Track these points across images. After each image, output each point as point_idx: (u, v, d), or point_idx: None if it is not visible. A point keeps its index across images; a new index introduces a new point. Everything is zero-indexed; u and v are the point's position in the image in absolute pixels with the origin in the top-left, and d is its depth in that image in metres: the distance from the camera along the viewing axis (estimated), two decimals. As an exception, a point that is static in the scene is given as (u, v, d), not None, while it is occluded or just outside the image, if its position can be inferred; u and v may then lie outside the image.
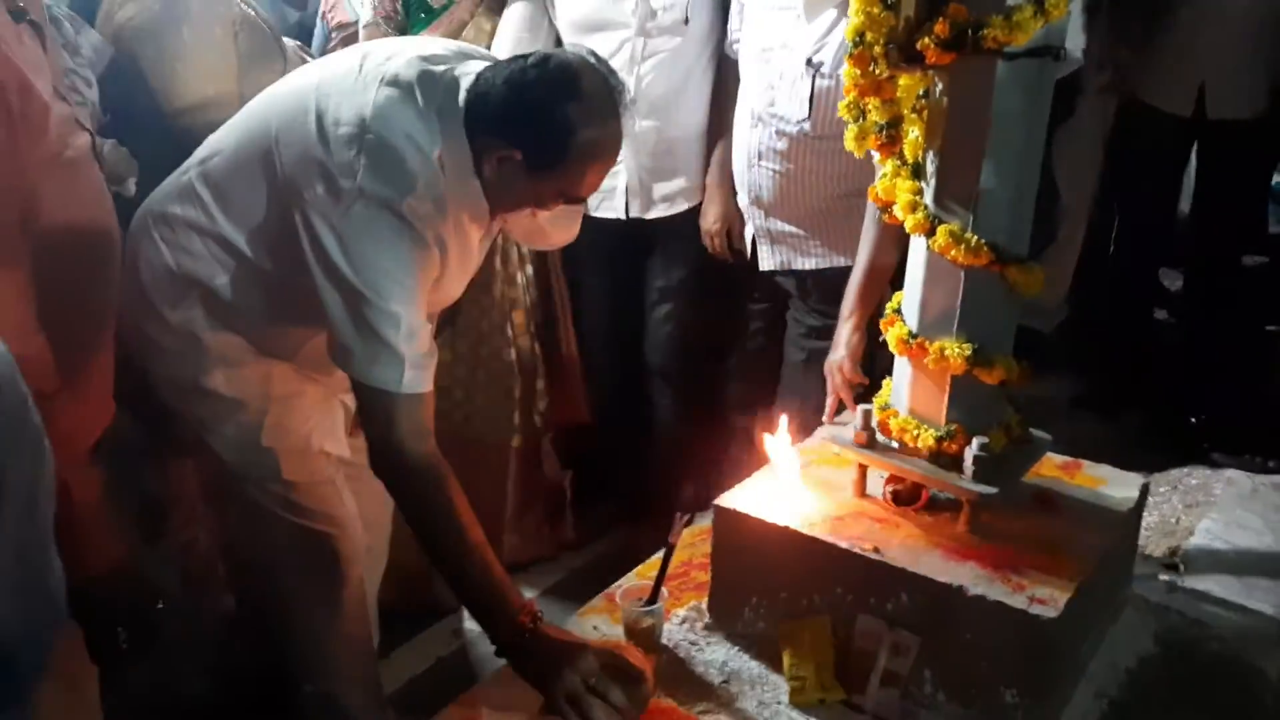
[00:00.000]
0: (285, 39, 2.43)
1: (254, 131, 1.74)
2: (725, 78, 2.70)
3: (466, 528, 1.61)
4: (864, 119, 1.68)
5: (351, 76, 1.68)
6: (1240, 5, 3.04)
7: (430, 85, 1.64)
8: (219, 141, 1.81)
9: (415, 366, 1.61)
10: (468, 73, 1.66)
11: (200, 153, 1.83)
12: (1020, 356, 1.69)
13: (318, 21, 3.01)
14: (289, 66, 2.27)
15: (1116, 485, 1.85)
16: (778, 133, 2.44)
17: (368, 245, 1.57)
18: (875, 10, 1.55)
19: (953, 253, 1.59)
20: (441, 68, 1.67)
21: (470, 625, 2.67)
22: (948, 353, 1.63)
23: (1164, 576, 2.08)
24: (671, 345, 2.93)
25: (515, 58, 1.66)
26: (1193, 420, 3.19)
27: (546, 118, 1.59)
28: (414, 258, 1.60)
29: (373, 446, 1.66)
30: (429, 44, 1.78)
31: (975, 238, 1.58)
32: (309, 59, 2.41)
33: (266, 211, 1.68)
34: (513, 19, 2.76)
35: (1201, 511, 2.45)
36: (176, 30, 2.12)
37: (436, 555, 1.65)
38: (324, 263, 1.59)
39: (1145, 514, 1.87)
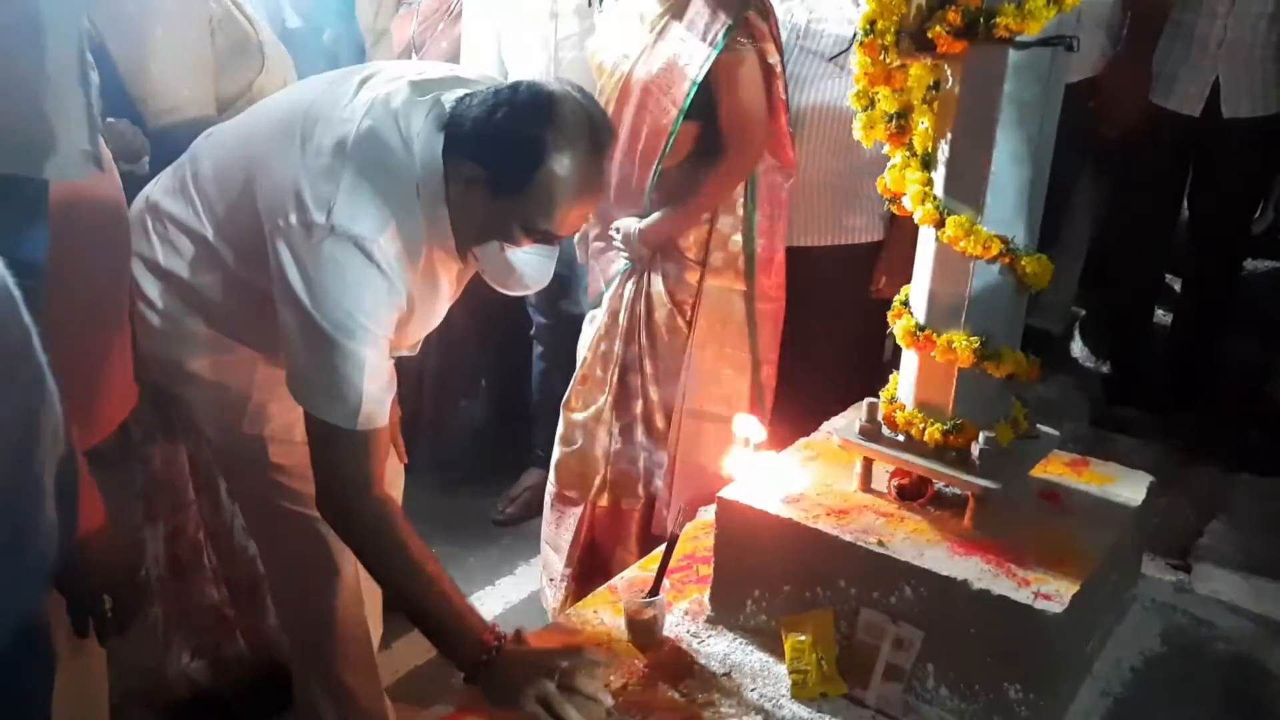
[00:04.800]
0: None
1: (242, 147, 1.73)
2: None
3: (420, 564, 1.58)
4: (873, 108, 1.67)
5: (343, 102, 1.65)
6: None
7: (415, 113, 1.61)
8: (213, 146, 1.80)
9: (372, 403, 1.58)
10: (453, 98, 1.63)
11: (195, 148, 1.83)
12: (1029, 354, 1.67)
13: None
14: (269, 63, 2.24)
15: (1124, 483, 1.83)
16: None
17: (333, 283, 1.55)
18: (887, -2, 1.54)
19: (962, 244, 1.57)
20: (429, 95, 1.64)
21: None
22: (956, 345, 1.62)
23: (1172, 577, 2.06)
24: None
25: (500, 85, 1.63)
26: (1201, 420, 3.17)
27: (515, 137, 1.54)
28: (379, 299, 1.57)
29: (320, 485, 1.63)
30: (426, 69, 1.76)
31: (985, 229, 1.57)
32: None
33: (249, 228, 1.66)
34: None
35: (1211, 513, 2.43)
36: (150, 28, 2.09)
37: (393, 594, 1.63)
38: (287, 294, 1.57)
39: (1154, 514, 1.85)
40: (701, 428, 2.51)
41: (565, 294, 3.00)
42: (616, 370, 2.53)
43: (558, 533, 2.67)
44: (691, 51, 2.29)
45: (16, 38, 0.98)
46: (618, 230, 2.46)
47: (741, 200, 2.46)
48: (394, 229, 1.56)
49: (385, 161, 1.58)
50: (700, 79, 2.27)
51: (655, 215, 2.41)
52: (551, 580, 2.68)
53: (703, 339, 2.50)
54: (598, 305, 2.59)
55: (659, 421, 2.54)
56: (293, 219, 1.56)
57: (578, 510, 2.63)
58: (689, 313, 2.49)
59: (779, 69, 2.37)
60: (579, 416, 2.58)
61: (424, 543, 1.62)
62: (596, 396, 2.56)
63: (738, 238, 2.47)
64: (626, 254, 2.47)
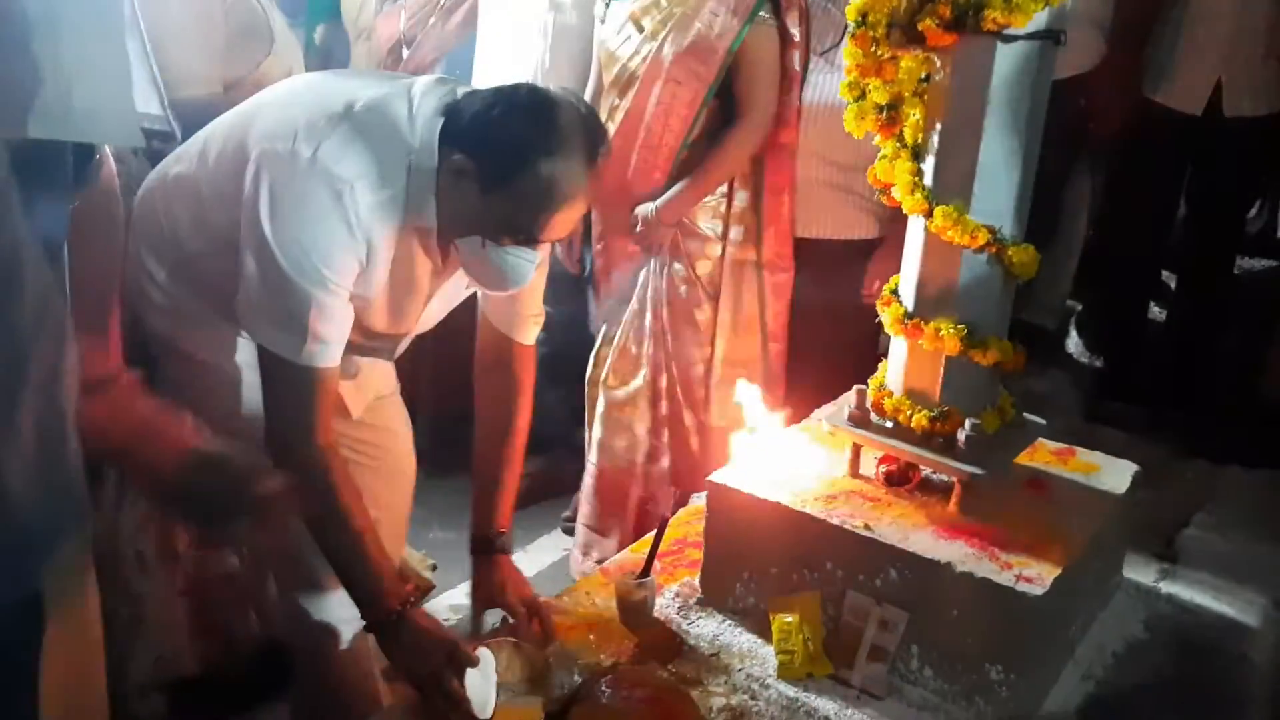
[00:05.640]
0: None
1: (255, 106, 1.76)
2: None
3: (346, 515, 1.62)
4: (864, 99, 1.69)
5: (365, 80, 1.70)
6: None
7: (429, 96, 1.65)
8: (229, 114, 1.83)
9: (317, 342, 1.60)
10: (465, 91, 1.67)
11: (211, 124, 1.86)
12: (1020, 346, 1.70)
13: None
14: (277, 49, 2.26)
15: (1109, 472, 1.86)
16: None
17: (296, 216, 1.57)
18: (878, -10, 1.57)
19: (950, 233, 1.60)
20: (449, 86, 1.68)
21: (464, 602, 2.70)
22: (943, 333, 1.64)
23: (1157, 566, 2.09)
24: None
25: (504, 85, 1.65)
26: (1191, 415, 3.20)
27: (507, 135, 1.56)
28: (335, 242, 1.58)
29: (266, 420, 1.66)
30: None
31: (973, 219, 1.60)
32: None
33: (232, 159, 1.67)
34: None
35: (1199, 504, 2.45)
36: (166, 2, 2.10)
37: (315, 538, 1.66)
38: (252, 221, 1.58)
39: (1140, 504, 1.88)
40: (723, 394, 2.60)
41: (575, 283, 3.04)
42: (650, 345, 2.62)
43: (603, 518, 2.74)
44: (722, 26, 2.36)
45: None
46: (636, 222, 2.53)
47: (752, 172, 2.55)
48: (372, 183, 1.58)
49: (386, 128, 1.61)
50: (732, 53, 2.37)
51: (670, 192, 2.48)
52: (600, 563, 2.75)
53: (722, 309, 2.61)
54: (616, 312, 2.65)
55: (680, 394, 2.62)
56: (279, 146, 1.59)
57: (627, 488, 2.70)
58: (712, 287, 2.57)
59: (797, 40, 2.43)
60: (620, 393, 2.66)
61: (360, 497, 1.65)
62: (635, 372, 2.64)
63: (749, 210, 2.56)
64: (646, 242, 2.53)
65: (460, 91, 1.67)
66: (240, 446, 1.44)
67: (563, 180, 1.57)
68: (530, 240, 1.64)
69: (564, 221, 1.63)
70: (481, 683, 1.59)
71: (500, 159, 1.57)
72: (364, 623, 1.67)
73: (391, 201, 1.60)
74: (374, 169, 1.58)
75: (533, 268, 1.69)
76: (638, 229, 2.55)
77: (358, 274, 1.63)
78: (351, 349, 1.84)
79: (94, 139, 0.95)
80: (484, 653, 1.62)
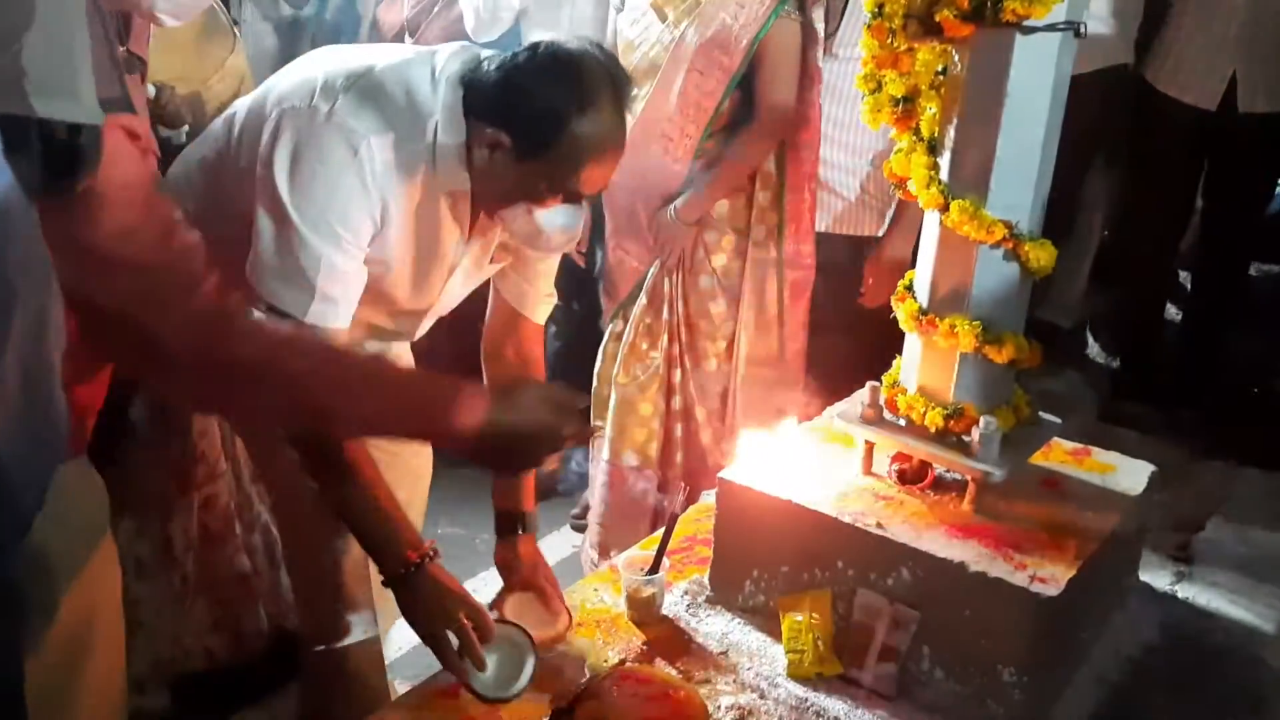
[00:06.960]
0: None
1: (275, 76, 1.76)
2: None
3: (354, 470, 1.58)
4: (880, 91, 1.67)
5: (396, 48, 1.70)
6: None
7: (452, 62, 1.64)
8: (254, 92, 1.82)
9: (325, 302, 1.59)
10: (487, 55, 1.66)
11: (232, 105, 1.86)
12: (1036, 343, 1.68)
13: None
14: (238, 44, 2.26)
15: (1125, 473, 1.84)
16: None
17: (312, 172, 1.56)
18: (895, -18, 1.55)
19: (966, 228, 1.58)
20: (472, 52, 1.66)
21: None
22: (958, 329, 1.62)
23: (1172, 569, 2.06)
24: None
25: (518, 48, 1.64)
26: (1208, 417, 3.17)
27: (535, 101, 1.56)
28: (351, 198, 1.57)
29: None
30: None
31: (989, 214, 1.57)
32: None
33: (253, 137, 1.66)
34: None
35: (1215, 506, 2.43)
36: None
37: (327, 495, 1.64)
38: (267, 178, 1.58)
39: (1157, 507, 1.86)
40: (747, 396, 2.60)
41: (586, 279, 3.03)
42: (665, 340, 2.61)
43: (615, 515, 2.72)
44: (747, 17, 2.34)
45: None
46: (656, 225, 2.52)
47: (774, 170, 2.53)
48: (390, 140, 1.57)
49: (407, 89, 1.60)
50: (756, 44, 2.35)
51: (689, 191, 2.46)
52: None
53: (745, 308, 2.59)
54: (626, 308, 2.64)
55: (693, 389, 2.61)
56: (297, 103, 1.60)
57: (640, 485, 2.69)
58: (727, 280, 2.55)
59: (819, 36, 2.41)
60: (633, 389, 2.65)
61: (367, 451, 1.62)
62: (647, 368, 2.63)
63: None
64: (667, 242, 2.52)
65: (484, 54, 1.66)
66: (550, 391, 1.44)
67: (597, 133, 1.58)
68: (575, 197, 1.64)
69: (605, 172, 1.64)
70: (508, 660, 1.57)
71: (532, 127, 1.56)
72: (383, 579, 1.62)
73: (410, 162, 1.60)
74: (392, 127, 1.58)
75: (579, 221, 1.69)
76: (660, 233, 2.53)
77: (372, 234, 1.62)
78: (374, 333, 1.84)
79: (50, 115, 0.94)
80: (522, 639, 1.61)
